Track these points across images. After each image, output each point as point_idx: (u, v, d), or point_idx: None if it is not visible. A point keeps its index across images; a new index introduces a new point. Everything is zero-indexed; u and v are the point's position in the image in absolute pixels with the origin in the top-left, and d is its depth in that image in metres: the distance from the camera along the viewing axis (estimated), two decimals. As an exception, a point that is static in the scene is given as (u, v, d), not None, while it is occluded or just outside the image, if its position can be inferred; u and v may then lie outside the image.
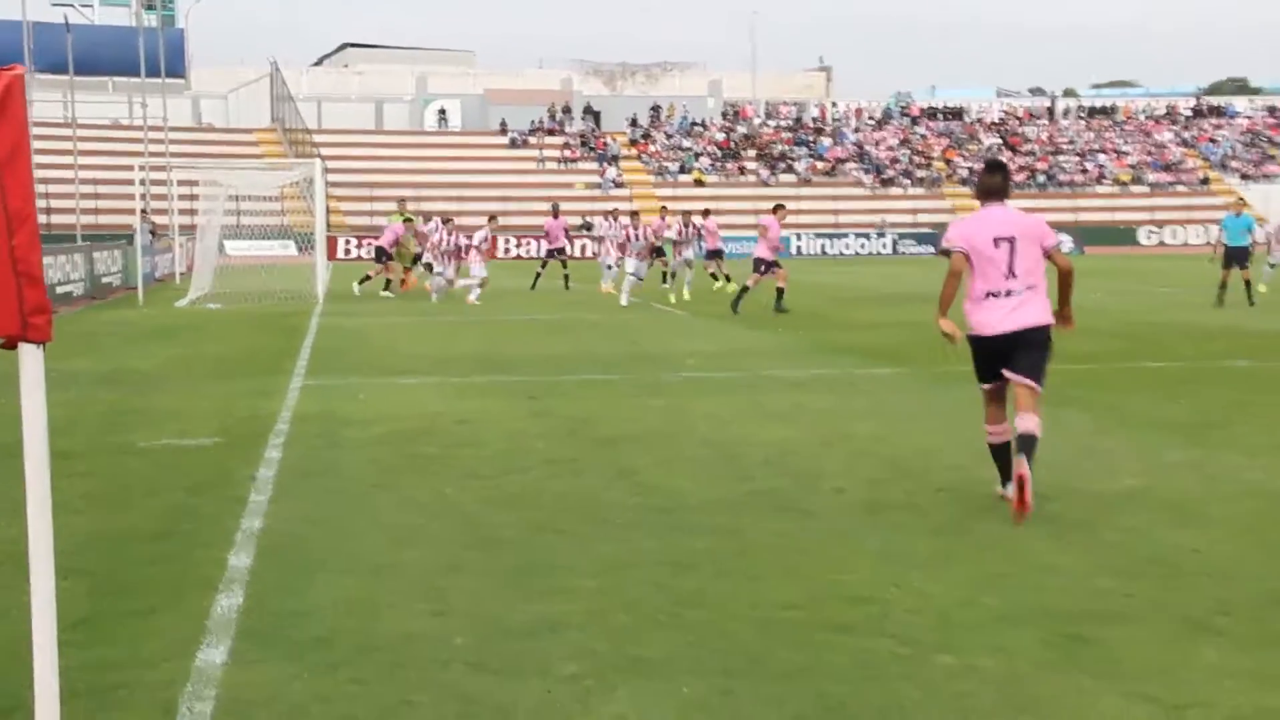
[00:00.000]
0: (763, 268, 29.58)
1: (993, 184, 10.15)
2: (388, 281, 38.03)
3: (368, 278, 38.55)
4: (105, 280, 39.53)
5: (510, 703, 6.01)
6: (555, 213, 43.45)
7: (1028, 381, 9.81)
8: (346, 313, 31.09)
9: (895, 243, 77.10)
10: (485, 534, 9.21)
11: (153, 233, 49.04)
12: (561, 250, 42.22)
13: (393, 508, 10.08)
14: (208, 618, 7.24)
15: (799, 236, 75.19)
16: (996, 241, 9.79)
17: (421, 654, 6.65)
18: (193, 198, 45.24)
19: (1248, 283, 31.32)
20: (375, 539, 9.08)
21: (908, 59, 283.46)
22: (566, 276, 41.14)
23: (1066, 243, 72.60)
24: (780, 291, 29.81)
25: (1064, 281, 10.12)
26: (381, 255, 38.41)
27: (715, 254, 40.45)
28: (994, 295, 9.80)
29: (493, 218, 39.98)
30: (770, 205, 32.11)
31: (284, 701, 6.03)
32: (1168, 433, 12.99)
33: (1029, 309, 9.78)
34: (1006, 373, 9.91)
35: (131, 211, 48.20)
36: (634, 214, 38.66)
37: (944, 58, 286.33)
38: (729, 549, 8.75)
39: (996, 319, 9.81)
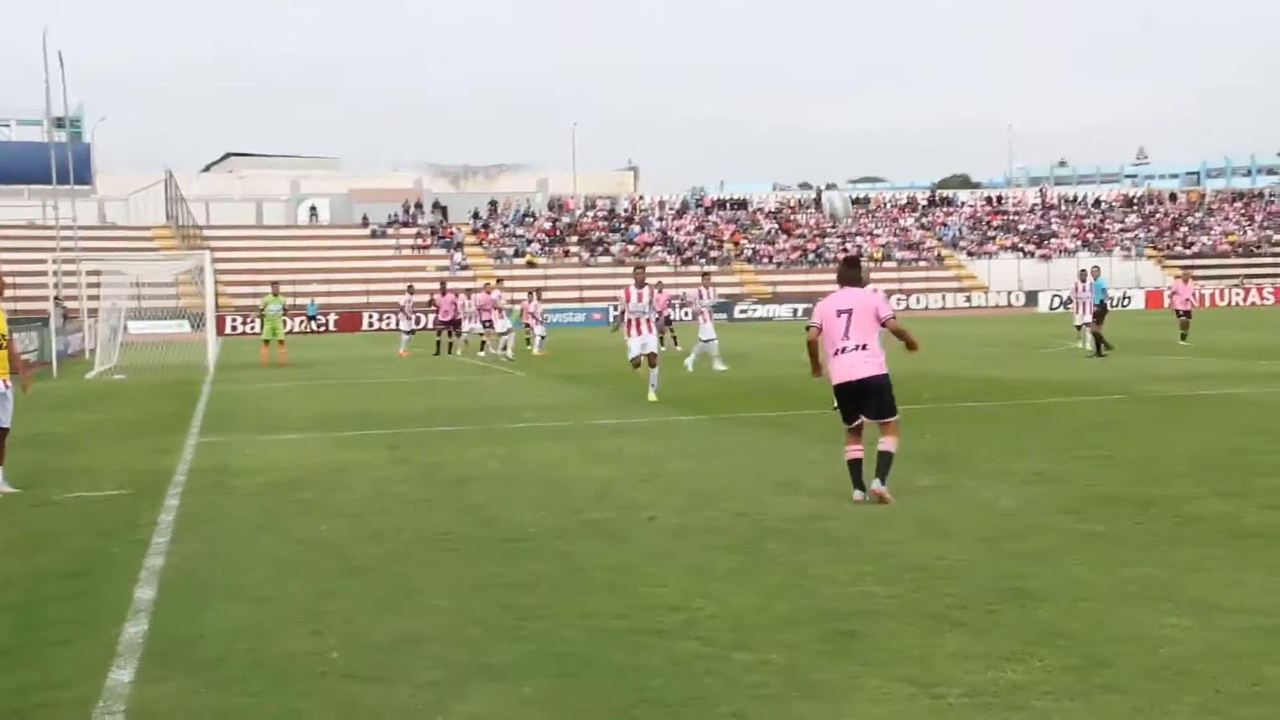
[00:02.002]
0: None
1: (844, 273, 11.56)
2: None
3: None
4: (24, 357, 38.25)
5: (380, 706, 5.93)
6: (444, 290, 42.83)
7: (882, 421, 11.04)
8: (235, 380, 30.51)
9: (696, 314, 77.47)
10: (355, 564, 9.08)
11: (65, 316, 47.75)
12: (451, 322, 41.58)
13: (276, 544, 9.90)
14: (117, 644, 7.05)
15: (615, 308, 75.26)
16: (839, 313, 11.08)
17: (304, 668, 6.54)
18: (98, 285, 44.06)
19: (1096, 335, 31.13)
20: (261, 572, 8.91)
21: (701, 159, 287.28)
22: (451, 345, 40.93)
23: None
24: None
25: (898, 334, 11.25)
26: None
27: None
28: (838, 352, 10.96)
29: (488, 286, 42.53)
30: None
31: (185, 713, 5.90)
32: (917, 462, 13.19)
33: (865, 365, 10.94)
34: (865, 419, 11.01)
35: (46, 298, 46.98)
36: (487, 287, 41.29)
37: (730, 156, 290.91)
38: (563, 570, 8.72)
39: (842, 370, 11.00)
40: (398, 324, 45.68)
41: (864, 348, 10.96)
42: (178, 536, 10.27)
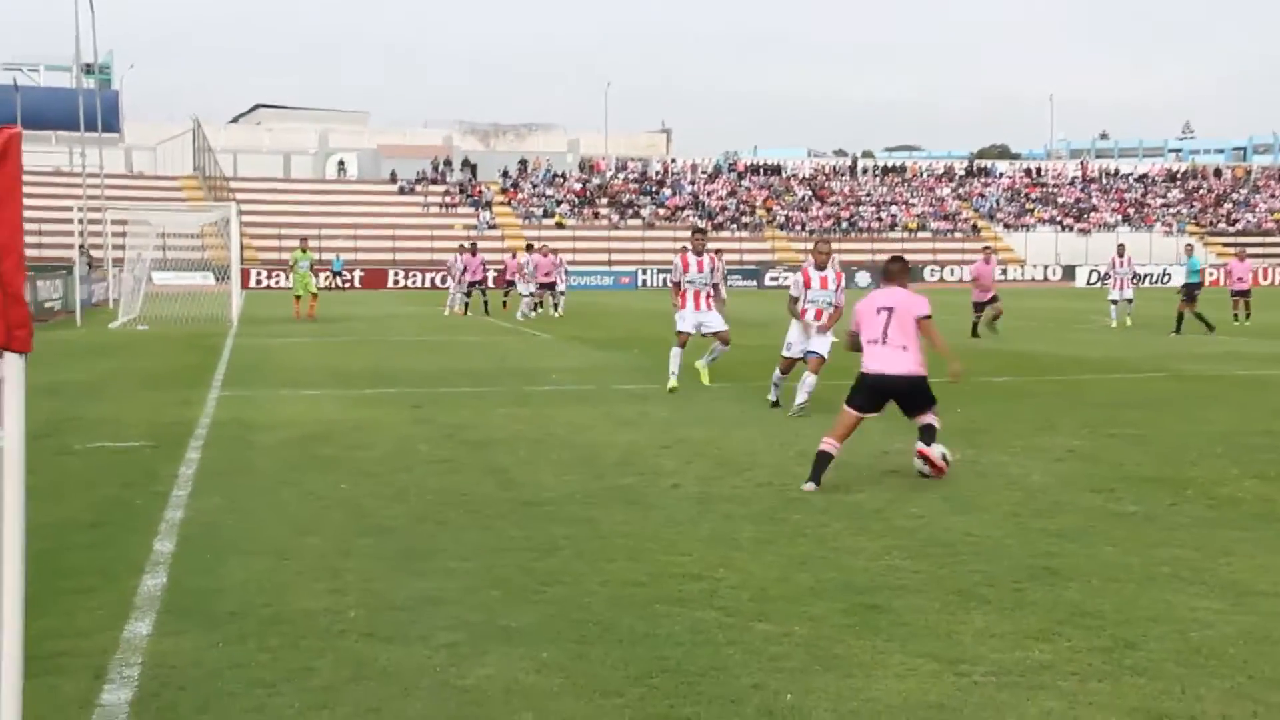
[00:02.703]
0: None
1: (889, 271, 11.59)
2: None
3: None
4: (48, 305, 38.61)
5: (397, 666, 5.96)
6: (474, 250, 43.01)
7: (924, 421, 10.90)
8: (258, 335, 30.62)
9: (726, 277, 77.43)
10: (375, 523, 9.12)
11: (89, 264, 48.04)
12: (481, 282, 41.80)
13: (296, 500, 9.95)
14: (135, 595, 7.12)
15: (644, 271, 75.39)
16: (879, 310, 10.84)
17: (321, 625, 6.57)
18: (124, 234, 44.27)
19: (1182, 315, 30.86)
20: (281, 527, 8.96)
21: (735, 123, 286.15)
22: (486, 304, 41.01)
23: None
24: None
25: (928, 336, 10.90)
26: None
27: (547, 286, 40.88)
28: (872, 343, 10.73)
29: (529, 247, 43.04)
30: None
31: (202, 667, 5.94)
32: (945, 437, 13.14)
33: (901, 361, 10.61)
34: (910, 418, 11.00)
35: (71, 246, 47.12)
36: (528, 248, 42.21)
37: (764, 122, 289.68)
38: (584, 535, 8.74)
39: (876, 361, 10.69)
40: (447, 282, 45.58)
41: (904, 349, 10.68)
42: (198, 490, 10.34)
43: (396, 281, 72.48)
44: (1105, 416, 15.02)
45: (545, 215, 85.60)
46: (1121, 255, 33.83)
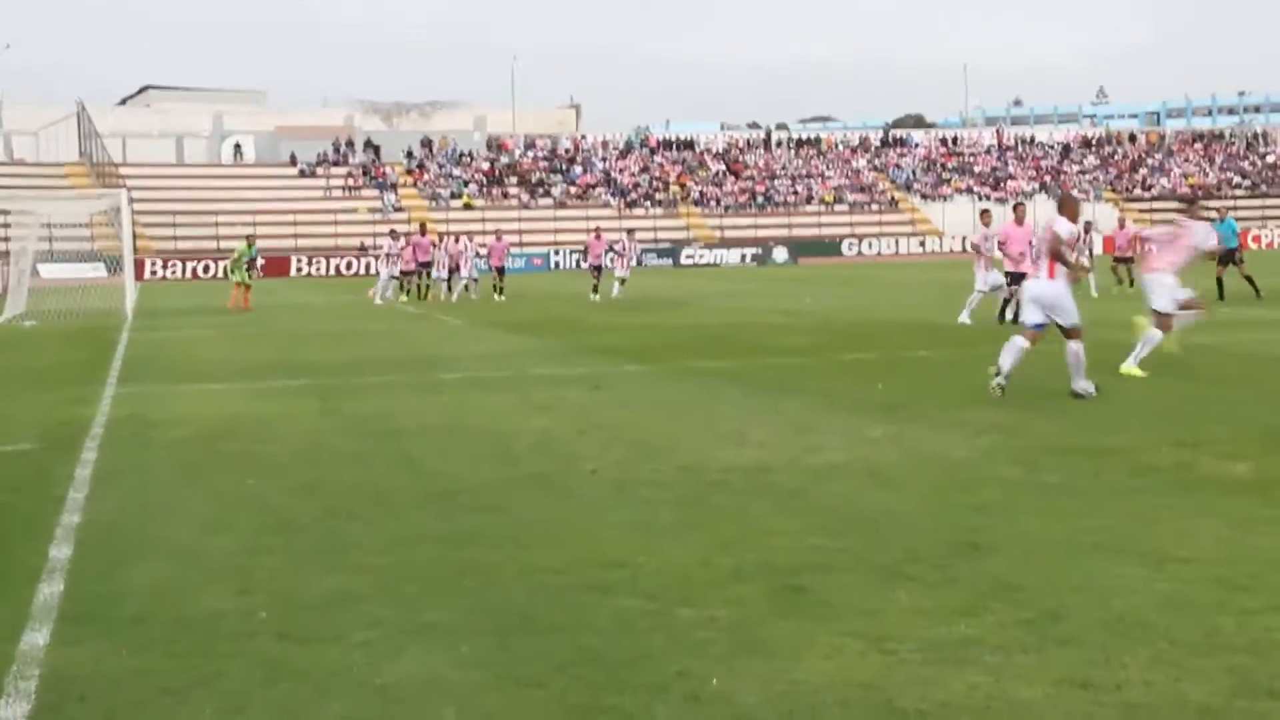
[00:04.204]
0: None
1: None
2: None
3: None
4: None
5: (311, 667, 5.93)
6: (422, 231, 43.38)
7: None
8: (154, 327, 30.27)
9: (640, 256, 77.49)
10: (284, 519, 9.06)
11: (-32, 259, 47.18)
12: (428, 266, 41.86)
13: (200, 499, 9.85)
14: (31, 605, 7.00)
15: (557, 252, 75.27)
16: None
17: (230, 628, 6.52)
18: (6, 226, 43.51)
19: (1221, 280, 30.95)
20: (184, 528, 8.87)
21: (647, 96, 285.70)
22: (428, 288, 41.54)
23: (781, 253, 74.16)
24: None
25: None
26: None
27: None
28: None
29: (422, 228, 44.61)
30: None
31: (104, 677, 5.87)
32: (867, 413, 13.31)
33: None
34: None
35: (-53, 239, 46.37)
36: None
37: (676, 94, 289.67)
38: (501, 524, 8.74)
39: None
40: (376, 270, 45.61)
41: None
42: (95, 492, 10.19)
43: (300, 269, 71.96)
44: (1028, 388, 15.21)
45: (453, 196, 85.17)
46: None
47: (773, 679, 5.61)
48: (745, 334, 24.04)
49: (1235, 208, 59.84)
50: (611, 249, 40.80)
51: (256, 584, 7.34)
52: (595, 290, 39.17)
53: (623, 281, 39.73)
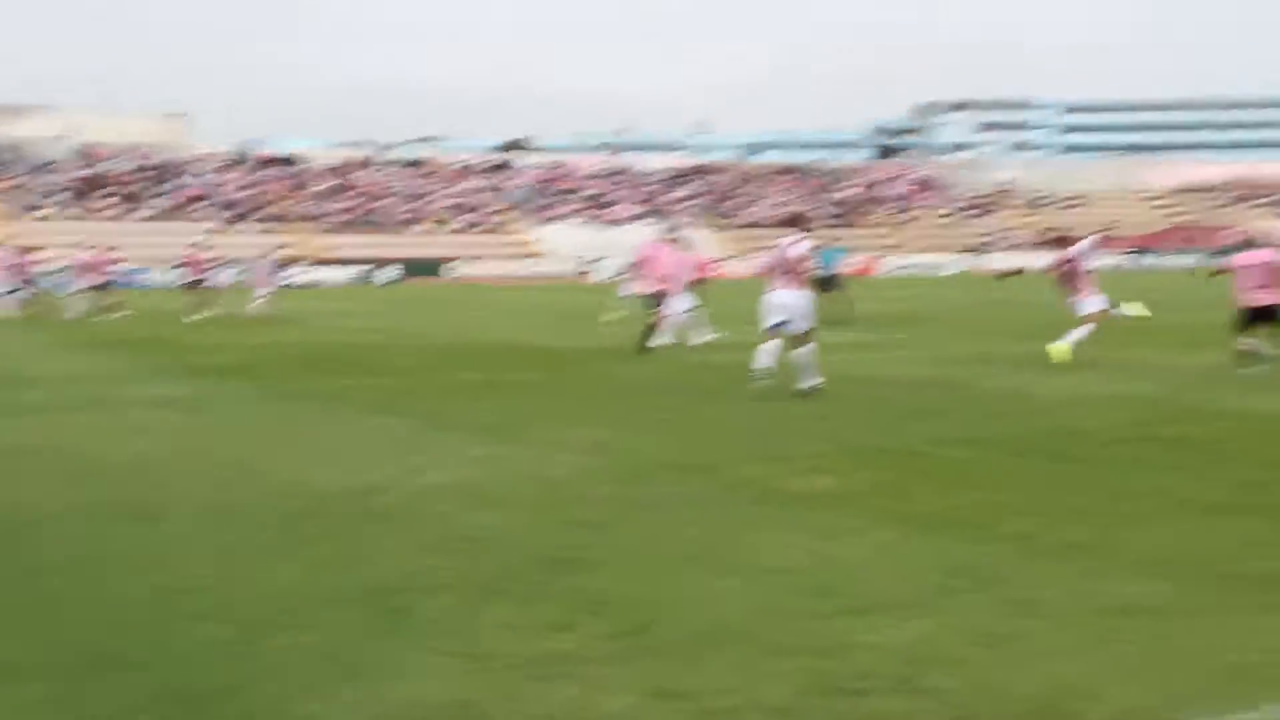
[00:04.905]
0: None
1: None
2: None
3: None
4: None
5: None
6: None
7: None
8: None
9: (240, 273, 75.23)
10: None
11: None
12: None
13: None
14: None
15: (148, 270, 72.32)
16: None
17: None
18: None
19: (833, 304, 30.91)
20: None
21: (258, 109, 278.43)
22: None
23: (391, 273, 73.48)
24: None
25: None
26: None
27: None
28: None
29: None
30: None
31: None
32: (471, 433, 13.33)
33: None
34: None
35: None
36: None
37: (286, 108, 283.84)
38: (85, 554, 8.30)
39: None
40: None
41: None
42: None
43: None
44: (630, 406, 15.59)
45: (34, 208, 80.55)
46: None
47: (367, 703, 5.53)
48: (351, 354, 23.74)
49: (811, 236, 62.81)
50: (247, 268, 39.89)
51: None
52: (199, 309, 37.86)
53: (263, 300, 38.54)
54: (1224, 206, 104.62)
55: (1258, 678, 5.67)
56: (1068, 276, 20.49)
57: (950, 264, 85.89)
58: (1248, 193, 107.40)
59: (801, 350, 16.23)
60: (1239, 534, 8.35)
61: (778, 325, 16.28)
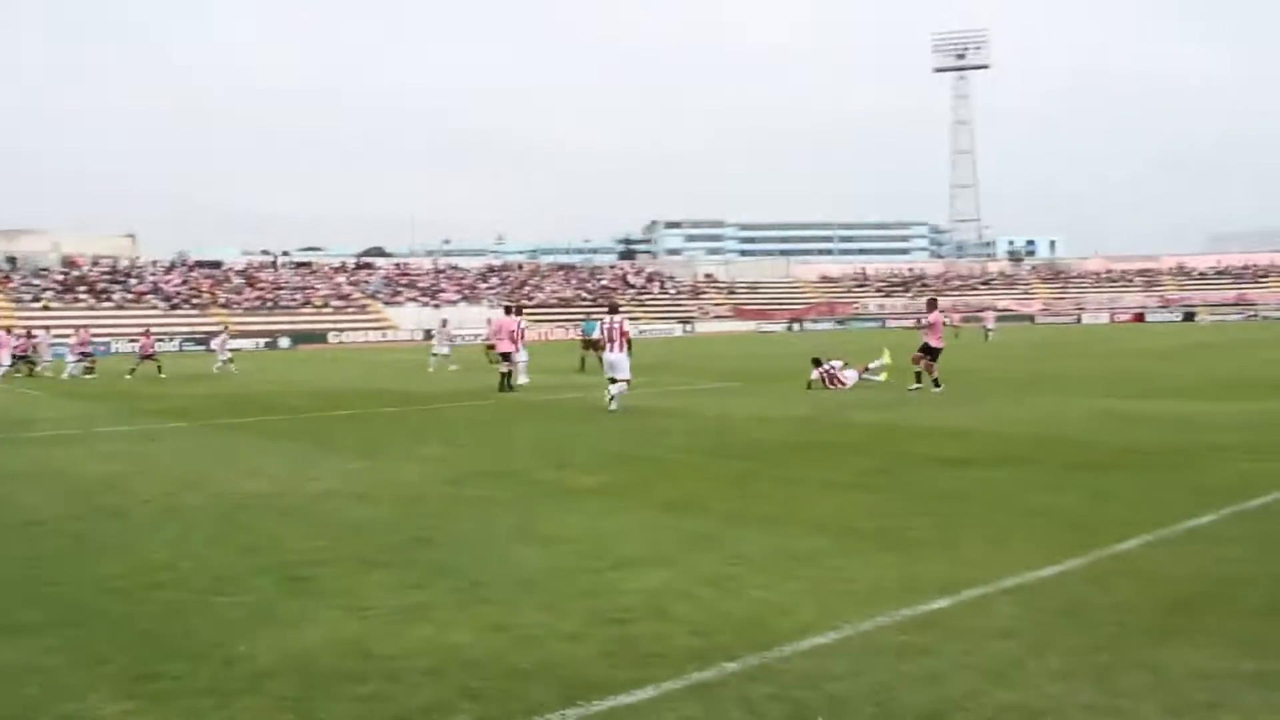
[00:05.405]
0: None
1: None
2: None
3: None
4: None
5: (-90, 666, 5.11)
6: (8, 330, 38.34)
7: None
8: None
9: (181, 344, 71.88)
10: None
11: None
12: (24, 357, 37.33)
13: None
14: None
15: (116, 342, 68.36)
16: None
17: None
18: None
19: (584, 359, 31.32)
20: None
21: (187, 228, 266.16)
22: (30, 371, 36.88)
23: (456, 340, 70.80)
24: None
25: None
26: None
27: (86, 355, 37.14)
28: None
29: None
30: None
31: None
32: (348, 452, 13.02)
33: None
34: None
35: None
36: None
37: (209, 227, 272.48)
38: (75, 545, 7.87)
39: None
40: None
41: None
42: None
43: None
44: (457, 431, 15.42)
45: (34, 300, 75.76)
46: (445, 325, 36.09)
47: (285, 643, 5.40)
48: (259, 399, 22.88)
49: (591, 313, 62.90)
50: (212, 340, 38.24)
51: None
52: (130, 371, 35.75)
53: (222, 364, 37.09)
54: (846, 291, 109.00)
55: (881, 595, 5.96)
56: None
57: (675, 329, 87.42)
58: (860, 282, 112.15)
59: (615, 389, 17.60)
60: (864, 504, 8.71)
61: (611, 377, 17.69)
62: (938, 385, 19.72)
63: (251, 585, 6.55)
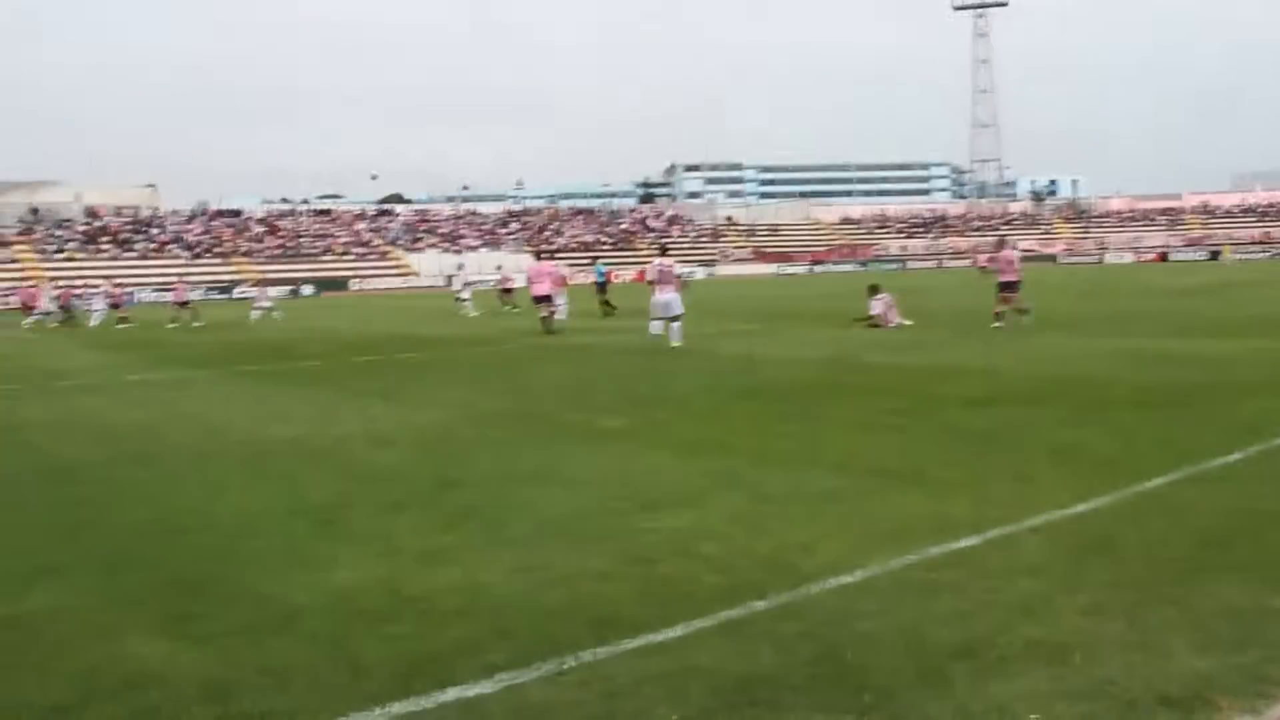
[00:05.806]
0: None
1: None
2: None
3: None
4: None
5: (-50, 609, 5.18)
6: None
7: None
8: None
9: (206, 291, 72.15)
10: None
11: None
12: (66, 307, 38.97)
13: None
14: None
15: (140, 291, 68.70)
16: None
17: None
18: None
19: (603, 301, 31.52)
20: None
21: (207, 178, 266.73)
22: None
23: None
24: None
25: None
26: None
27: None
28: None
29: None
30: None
31: None
32: (370, 398, 13.07)
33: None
34: None
35: None
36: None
37: (230, 177, 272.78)
38: (106, 490, 7.95)
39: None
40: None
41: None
42: None
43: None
44: (478, 375, 15.46)
45: (58, 251, 76.11)
46: (461, 270, 36.38)
47: (317, 584, 5.44)
48: (283, 346, 22.99)
49: (602, 257, 62.67)
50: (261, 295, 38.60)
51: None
52: (174, 320, 36.04)
53: (269, 310, 37.51)
54: (868, 233, 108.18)
55: (908, 534, 5.94)
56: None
57: (696, 272, 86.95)
58: (881, 224, 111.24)
59: (675, 325, 18.43)
60: (890, 444, 8.69)
61: (664, 315, 18.45)
62: (1025, 313, 20.26)
63: (281, 529, 6.60)
